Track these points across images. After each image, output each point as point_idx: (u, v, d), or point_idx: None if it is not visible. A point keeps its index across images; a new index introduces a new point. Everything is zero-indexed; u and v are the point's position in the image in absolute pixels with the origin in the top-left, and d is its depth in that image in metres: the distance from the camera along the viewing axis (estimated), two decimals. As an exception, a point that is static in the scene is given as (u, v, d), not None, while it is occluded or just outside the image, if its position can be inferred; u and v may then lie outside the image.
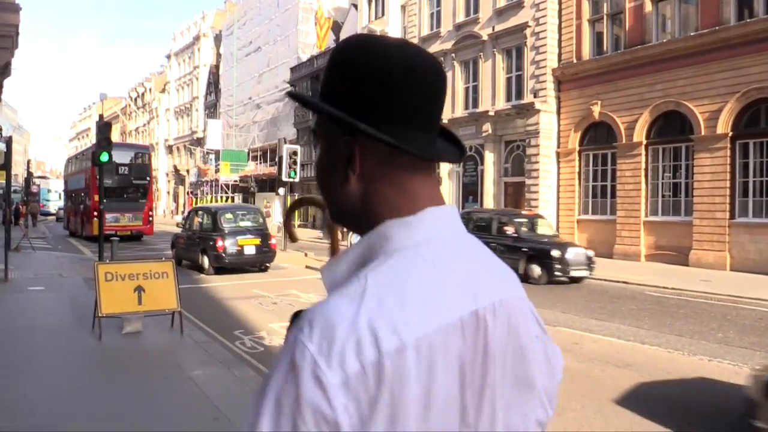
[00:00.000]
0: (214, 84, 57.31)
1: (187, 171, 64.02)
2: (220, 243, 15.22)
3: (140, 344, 7.45)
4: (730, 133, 17.50)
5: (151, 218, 27.66)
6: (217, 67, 57.31)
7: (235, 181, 47.38)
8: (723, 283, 14.57)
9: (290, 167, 20.01)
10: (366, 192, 0.89)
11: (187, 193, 60.84)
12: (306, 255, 20.98)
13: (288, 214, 1.41)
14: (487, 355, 0.85)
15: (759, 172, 17.25)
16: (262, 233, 16.17)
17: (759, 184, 17.26)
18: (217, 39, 57.95)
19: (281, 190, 36.91)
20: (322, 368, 0.73)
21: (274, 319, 9.69)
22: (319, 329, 0.75)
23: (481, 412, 0.84)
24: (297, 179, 20.82)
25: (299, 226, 37.71)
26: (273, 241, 16.40)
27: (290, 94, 1.05)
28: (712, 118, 17.91)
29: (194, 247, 16.41)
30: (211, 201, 49.68)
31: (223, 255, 15.25)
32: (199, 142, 59.94)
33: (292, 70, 39.55)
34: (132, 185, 26.73)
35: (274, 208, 43.08)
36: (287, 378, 0.75)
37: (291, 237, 1.43)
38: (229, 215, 16.41)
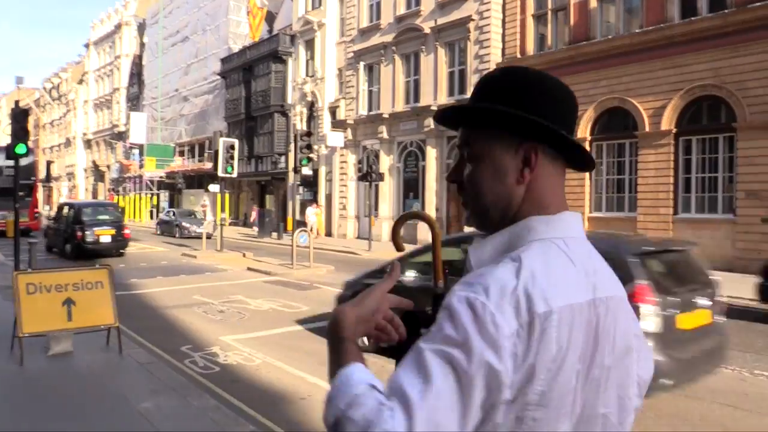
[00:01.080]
0: (137, 75, 54.47)
1: (108, 167, 60.71)
2: (79, 233, 18.32)
3: (72, 368, 6.34)
4: (674, 130, 17.65)
5: (37, 215, 28.87)
6: (140, 57, 54.50)
7: (161, 177, 45.11)
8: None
9: (227, 162, 18.79)
10: (524, 193, 1.07)
11: (108, 190, 57.68)
12: (244, 256, 19.81)
13: (396, 227, 1.48)
14: (597, 338, 1.00)
15: (701, 168, 17.47)
16: (117, 225, 19.42)
17: (701, 180, 17.49)
18: (141, 28, 55.09)
19: (213, 186, 35.36)
20: (497, 320, 0.90)
21: (225, 330, 8.70)
22: (493, 291, 0.93)
23: (589, 384, 0.99)
24: (234, 174, 19.61)
25: (230, 223, 36.13)
26: (127, 231, 19.77)
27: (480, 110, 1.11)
28: (656, 115, 18.01)
29: (60, 237, 19.56)
30: (135, 198, 47.18)
31: (83, 243, 18.22)
32: (121, 136, 56.90)
33: (223, 61, 37.87)
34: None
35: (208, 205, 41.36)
36: (466, 328, 0.90)
37: (398, 247, 1.55)
38: (88, 210, 19.96)
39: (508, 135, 1.08)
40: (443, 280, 1.38)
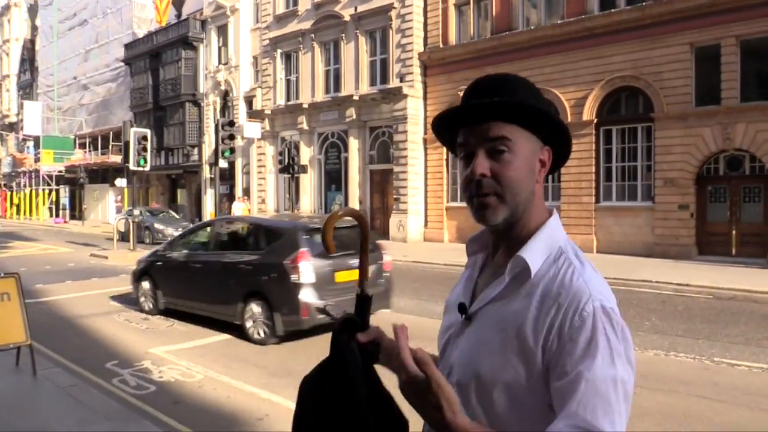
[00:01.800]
0: (29, 61, 50.41)
1: (-2, 160, 56.11)
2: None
3: (-24, 397, 5.38)
4: (595, 120, 18.02)
5: None
6: (32, 41, 50.48)
7: (60, 171, 42.00)
8: (599, 265, 14.64)
9: (139, 154, 17.45)
10: (537, 190, 1.21)
11: (0, 185, 53.28)
12: (160, 254, 18.54)
13: (327, 227, 1.33)
14: None
15: (621, 157, 17.94)
16: None
17: (621, 169, 17.96)
18: (32, 10, 51.00)
19: (120, 181, 33.25)
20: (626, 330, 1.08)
21: (154, 341, 7.84)
22: (608, 296, 1.10)
23: None
24: (147, 168, 18.29)
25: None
26: None
27: (528, 107, 1.18)
28: (578, 105, 18.32)
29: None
30: (32, 194, 43.82)
31: None
32: (12, 127, 52.64)
33: (127, 47, 35.56)
34: None
35: (108, 201, 39.00)
36: (619, 335, 1.05)
37: (329, 249, 1.40)
38: None
39: (534, 136, 1.20)
40: (367, 280, 1.35)
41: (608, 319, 1.05)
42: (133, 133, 17.70)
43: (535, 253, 1.15)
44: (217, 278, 8.40)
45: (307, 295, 7.33)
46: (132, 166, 17.69)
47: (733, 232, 16.06)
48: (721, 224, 16.29)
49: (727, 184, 16.24)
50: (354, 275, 6.80)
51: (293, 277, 7.36)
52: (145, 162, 17.65)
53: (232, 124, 15.30)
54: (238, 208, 23.07)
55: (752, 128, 15.38)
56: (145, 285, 9.70)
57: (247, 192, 28.38)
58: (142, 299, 9.74)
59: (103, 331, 8.41)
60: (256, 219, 10.47)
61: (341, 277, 7.58)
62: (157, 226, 24.46)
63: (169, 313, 9.28)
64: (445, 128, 1.27)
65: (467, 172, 1.18)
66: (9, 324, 6.21)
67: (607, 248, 17.71)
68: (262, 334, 7.62)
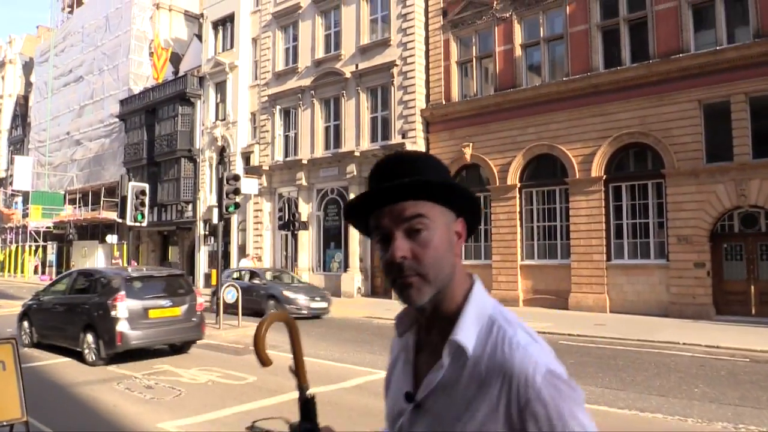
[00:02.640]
0: (21, 117, 50.25)
1: (-16, 216, 55.13)
2: None
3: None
4: (604, 176, 17.75)
5: None
6: (25, 98, 50.45)
7: (48, 227, 41.14)
8: (619, 326, 14.23)
9: (137, 209, 16.83)
10: (457, 263, 1.21)
11: (-15, 241, 52.14)
12: (155, 314, 17.72)
13: (259, 336, 1.29)
14: None
15: (631, 214, 17.60)
16: None
17: (631, 226, 17.59)
18: (27, 67, 51.21)
19: (110, 237, 32.48)
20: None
21: (161, 413, 7.07)
22: (548, 357, 1.10)
23: None
24: (144, 223, 17.63)
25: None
26: None
27: (442, 184, 1.20)
28: (585, 162, 18.09)
29: None
30: (17, 250, 42.78)
31: None
32: (1, 182, 51.96)
33: (122, 102, 35.43)
34: None
35: (96, 258, 38.05)
36: (576, 395, 1.08)
37: (264, 361, 1.32)
38: None
39: (448, 210, 1.20)
40: (306, 383, 1.32)
41: (560, 381, 1.07)
42: (131, 187, 17.14)
43: (467, 332, 1.15)
44: (68, 316, 11.00)
45: (123, 326, 9.99)
46: (129, 222, 17.04)
47: (752, 290, 15.60)
48: (738, 282, 15.83)
49: (743, 242, 15.87)
50: (164, 313, 10.57)
51: (113, 313, 9.99)
52: (143, 217, 17.02)
53: (237, 178, 14.80)
54: (246, 266, 22.36)
55: (767, 185, 15.14)
56: (25, 324, 12.11)
57: (243, 249, 27.70)
58: (23, 335, 11.90)
59: (103, 402, 7.62)
60: (94, 269, 13.39)
61: (153, 314, 10.47)
62: (289, 295, 16.88)
63: (41, 346, 11.55)
64: (358, 214, 1.24)
65: (387, 256, 1.16)
66: (3, 397, 5.48)
67: (620, 308, 17.16)
68: (93, 357, 10.14)
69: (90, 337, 10.15)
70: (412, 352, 1.28)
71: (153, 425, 6.62)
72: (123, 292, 10.14)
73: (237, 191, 14.38)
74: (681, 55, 16.57)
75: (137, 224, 17.28)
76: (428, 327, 1.24)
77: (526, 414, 1.04)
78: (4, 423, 5.42)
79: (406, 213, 1.15)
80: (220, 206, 14.44)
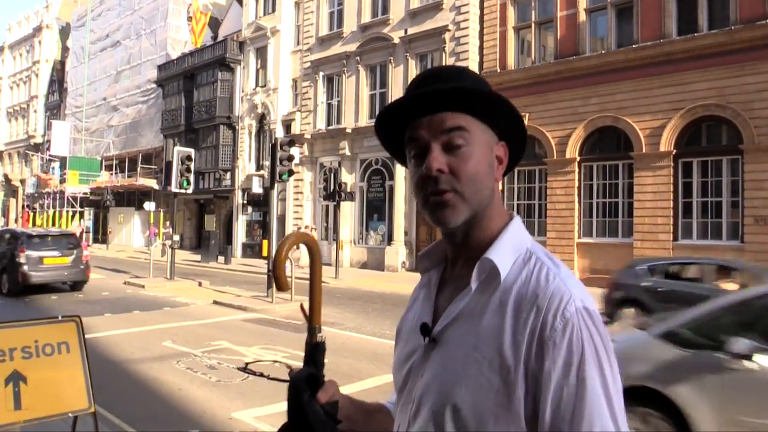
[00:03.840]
0: (58, 82, 50.11)
1: (22, 181, 55.57)
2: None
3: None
4: (674, 151, 16.62)
5: None
6: (62, 63, 50.25)
7: (85, 193, 41.12)
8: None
9: (182, 175, 16.24)
10: (496, 189, 1.10)
11: (23, 206, 52.57)
12: (200, 285, 17.27)
13: (279, 259, 1.13)
14: None
15: (702, 192, 16.49)
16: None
17: (701, 204, 16.49)
18: (63, 32, 50.92)
19: (148, 204, 32.20)
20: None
21: (231, 399, 6.44)
22: (589, 298, 0.99)
23: None
24: (190, 190, 17.05)
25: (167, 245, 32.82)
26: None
27: (488, 95, 1.08)
28: (653, 135, 16.96)
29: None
30: (55, 215, 42.93)
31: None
32: (38, 147, 52.16)
33: (160, 68, 34.85)
34: None
35: (133, 225, 37.94)
36: (605, 340, 0.96)
37: (281, 286, 1.18)
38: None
39: (490, 130, 1.09)
40: (319, 325, 1.17)
41: (592, 321, 0.96)
42: (177, 152, 16.55)
43: (502, 255, 1.04)
44: None
45: (24, 269, 14.23)
46: (174, 188, 16.50)
47: (837, 277, 14.48)
48: (821, 268, 14.71)
49: (829, 224, 14.72)
50: (55, 261, 14.92)
51: (18, 259, 14.27)
52: (189, 183, 16.45)
53: (292, 143, 14.07)
54: None
55: None
56: None
57: (282, 220, 27.11)
58: None
59: (167, 385, 7.02)
60: (10, 229, 18.56)
61: (48, 261, 14.70)
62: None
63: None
64: (389, 127, 1.13)
65: (421, 170, 1.05)
66: (68, 385, 4.77)
67: (686, 291, 16.15)
68: (4, 291, 14.74)
69: (5, 277, 14.80)
70: (434, 289, 1.16)
71: (226, 414, 5.98)
72: (24, 245, 14.50)
73: (291, 158, 13.67)
74: (767, 21, 15.26)
75: (182, 191, 16.73)
76: (455, 259, 1.13)
77: (546, 346, 0.94)
78: (69, 414, 4.78)
79: (447, 124, 1.05)
80: (272, 173, 13.73)
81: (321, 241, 25.46)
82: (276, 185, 27.21)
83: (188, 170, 16.35)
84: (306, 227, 23.39)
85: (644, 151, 17.06)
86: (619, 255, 17.46)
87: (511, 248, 1.05)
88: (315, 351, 1.14)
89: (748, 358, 4.03)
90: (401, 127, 1.10)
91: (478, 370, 0.98)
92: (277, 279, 1.15)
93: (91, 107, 42.99)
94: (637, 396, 4.30)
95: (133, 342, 9.47)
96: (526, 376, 0.94)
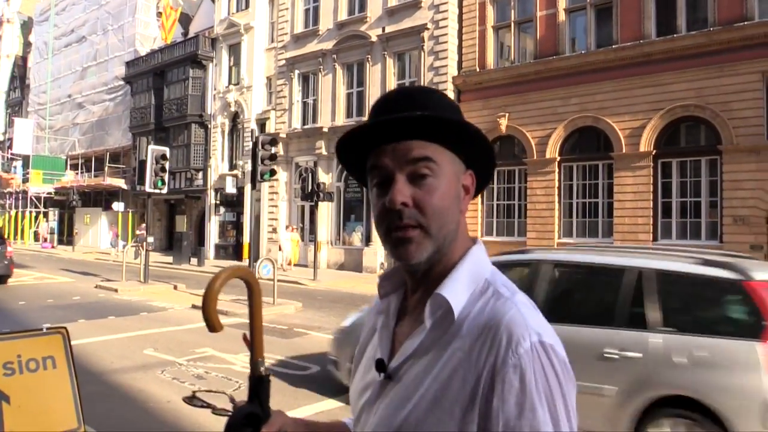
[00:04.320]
0: (19, 78, 48.57)
1: (-19, 180, 53.72)
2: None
3: None
4: (653, 151, 16.71)
5: None
6: (24, 58, 48.74)
7: (49, 193, 39.93)
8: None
9: (157, 174, 15.73)
10: (462, 222, 1.06)
11: (-17, 206, 50.82)
12: (176, 288, 16.78)
13: (210, 297, 1.03)
14: None
15: (680, 192, 16.61)
16: None
17: (680, 204, 16.62)
18: (26, 26, 49.38)
19: (117, 205, 31.33)
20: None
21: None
22: (548, 330, 0.94)
23: None
24: (165, 190, 16.52)
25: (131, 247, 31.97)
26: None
27: (458, 124, 1.04)
28: (633, 135, 17.03)
29: None
30: (17, 216, 41.60)
31: None
32: (-1, 146, 50.50)
33: (129, 64, 33.95)
34: None
35: (100, 226, 36.94)
36: (562, 377, 0.91)
37: (212, 327, 1.05)
38: None
39: (458, 158, 1.05)
40: (262, 357, 1.11)
41: (547, 357, 0.91)
42: (151, 151, 16.03)
43: (456, 290, 1.00)
44: None
45: None
46: (148, 188, 15.97)
47: (814, 276, 14.69)
48: (799, 268, 14.91)
49: (806, 224, 14.93)
50: None
51: None
52: (164, 183, 15.96)
53: (274, 142, 13.68)
54: (286, 239, 21.21)
55: (836, 164, 14.16)
56: None
57: (257, 220, 26.56)
58: None
59: (155, 398, 6.64)
60: None
61: None
62: None
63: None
64: (352, 152, 1.08)
65: (384, 201, 1.00)
66: (55, 403, 4.38)
67: (666, 290, 16.25)
68: None
69: None
70: (393, 318, 1.11)
71: (221, 428, 5.64)
72: None
73: (273, 157, 13.30)
74: (745, 23, 15.42)
75: (157, 191, 16.20)
76: (415, 289, 1.08)
77: (497, 383, 0.90)
78: (59, 434, 4.41)
79: (413, 154, 1.00)
80: (254, 173, 13.33)
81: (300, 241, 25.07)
82: (249, 186, 26.84)
83: (163, 170, 15.85)
84: (288, 227, 22.96)
85: (624, 151, 17.12)
86: (600, 255, 17.54)
87: (467, 280, 1.01)
88: (259, 385, 1.09)
89: None
90: (365, 152, 1.05)
91: (430, 410, 0.94)
92: (207, 319, 1.04)
93: (55, 104, 41.74)
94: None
95: (112, 350, 9.03)
96: (479, 414, 0.91)
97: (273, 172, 13.64)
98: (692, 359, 4.21)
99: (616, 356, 4.47)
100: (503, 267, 4.99)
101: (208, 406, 6.44)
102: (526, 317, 0.94)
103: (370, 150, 1.04)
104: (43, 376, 4.48)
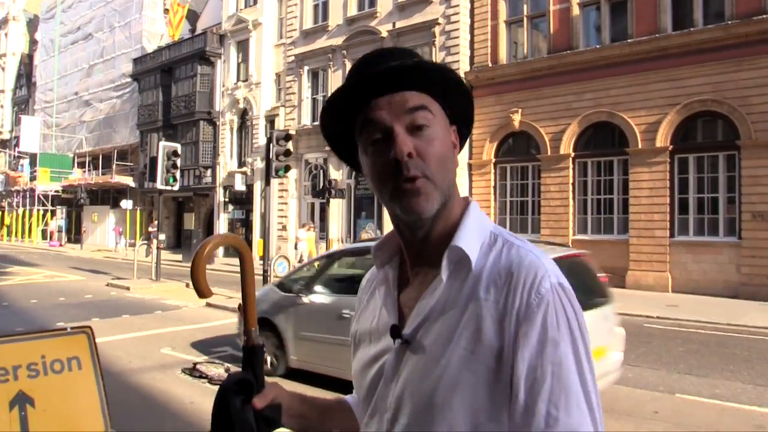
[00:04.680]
0: (26, 76, 48.53)
1: (-12, 178, 53.75)
2: None
3: None
4: (670, 147, 16.51)
5: None
6: (30, 56, 48.66)
7: (57, 191, 39.88)
8: (695, 308, 13.16)
9: (168, 171, 15.59)
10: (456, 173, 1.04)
11: (-11, 204, 50.87)
12: (188, 286, 16.64)
13: (198, 264, 1.05)
14: None
15: (697, 188, 16.40)
16: None
17: (697, 200, 16.41)
18: (31, 24, 49.28)
19: (125, 203, 31.25)
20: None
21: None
22: (562, 275, 0.94)
23: None
24: (176, 187, 16.40)
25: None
26: None
27: (449, 73, 1.03)
28: (649, 131, 16.82)
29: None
30: (25, 215, 41.57)
31: None
32: (4, 144, 50.48)
33: (136, 61, 33.84)
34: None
35: (108, 224, 36.86)
36: (580, 318, 0.92)
37: (201, 293, 1.08)
38: None
39: (443, 113, 1.03)
40: (255, 326, 1.10)
41: (567, 298, 0.92)
42: (162, 147, 15.92)
43: (469, 241, 0.98)
44: None
45: None
46: (159, 185, 15.86)
47: (835, 273, 14.51)
48: (819, 264, 14.72)
49: (827, 220, 14.72)
50: None
51: None
52: (175, 180, 15.84)
53: (288, 137, 13.53)
54: (303, 237, 20.84)
55: None
56: None
57: (264, 218, 26.44)
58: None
59: (177, 399, 6.50)
60: None
61: None
62: None
63: None
64: (338, 120, 1.03)
65: (387, 157, 0.95)
66: (80, 406, 4.26)
67: (683, 287, 16.08)
68: None
69: None
70: (394, 287, 1.08)
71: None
72: None
73: (288, 152, 13.16)
74: (763, 16, 15.19)
75: (168, 188, 16.07)
76: (416, 254, 1.04)
77: (522, 323, 0.89)
78: (88, 438, 4.25)
79: (410, 103, 0.98)
80: (267, 169, 13.21)
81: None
82: (259, 183, 26.69)
83: (174, 166, 15.73)
84: (304, 226, 22.64)
85: (640, 146, 16.92)
86: (615, 252, 17.36)
87: (476, 233, 1.00)
88: (252, 355, 1.07)
89: (301, 296, 6.97)
90: (353, 113, 1.00)
91: (463, 366, 0.92)
92: (195, 285, 1.05)
93: (62, 102, 41.68)
94: (261, 323, 6.77)
95: (128, 350, 8.91)
96: (510, 358, 0.89)
97: (288, 168, 13.50)
98: None
99: (348, 316, 6.16)
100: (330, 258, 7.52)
101: (206, 377, 6.39)
102: (544, 261, 0.94)
103: (356, 112, 1.00)
104: (69, 378, 4.29)
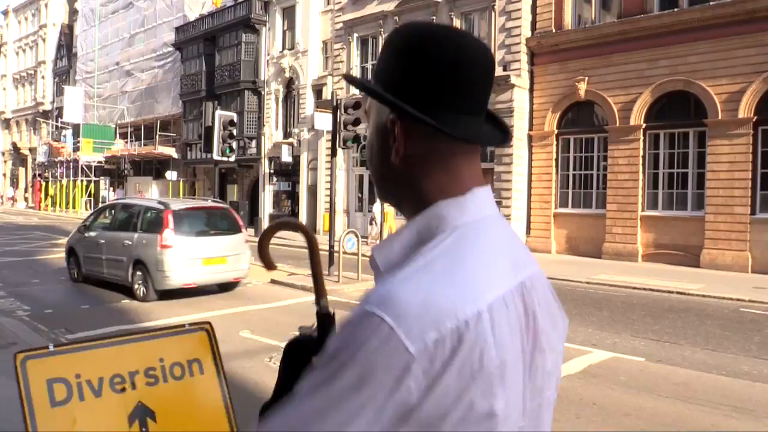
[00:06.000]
0: (66, 47, 48.48)
1: (31, 150, 54.35)
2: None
3: None
4: (754, 118, 15.42)
5: None
6: (70, 27, 48.56)
7: (100, 162, 39.97)
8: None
9: (224, 141, 15.08)
10: (413, 173, 0.92)
11: (34, 175, 51.42)
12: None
13: (264, 241, 1.27)
14: (536, 320, 0.89)
15: (783, 162, 15.35)
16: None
17: (783, 175, 15.37)
18: (71, -7, 49.13)
19: (170, 174, 31.06)
20: (402, 339, 0.74)
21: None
22: (395, 305, 0.76)
23: (535, 373, 0.89)
24: (233, 158, 15.91)
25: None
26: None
27: (346, 78, 1.15)
28: (731, 101, 15.73)
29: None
30: (69, 185, 41.83)
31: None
32: (46, 115, 50.83)
33: (178, 30, 33.32)
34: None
35: (150, 195, 36.75)
36: (369, 350, 0.75)
37: (268, 265, 1.32)
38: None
39: (381, 105, 0.96)
40: (325, 296, 1.22)
41: (363, 323, 0.77)
42: (219, 116, 15.39)
43: (392, 247, 0.92)
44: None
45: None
46: (216, 156, 15.38)
47: None
48: None
49: None
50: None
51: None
52: (232, 151, 15.32)
53: (357, 106, 12.88)
54: (379, 211, 20.05)
55: None
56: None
57: (312, 190, 26.00)
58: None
59: (268, 385, 5.99)
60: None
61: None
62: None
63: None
64: None
65: None
66: (205, 417, 3.68)
67: (764, 267, 15.15)
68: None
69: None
70: None
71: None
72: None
73: (357, 121, 12.52)
74: None
75: (224, 158, 15.59)
76: None
77: None
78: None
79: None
80: (334, 139, 12.60)
81: (355, 213, 24.43)
82: (305, 154, 26.15)
83: (231, 136, 15.22)
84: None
85: (720, 117, 15.86)
86: (689, 229, 16.47)
87: (407, 243, 0.90)
88: (325, 319, 1.16)
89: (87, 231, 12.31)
90: None
91: None
92: (262, 257, 1.26)
93: (103, 73, 41.53)
94: (70, 252, 12.66)
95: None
96: None
97: (357, 138, 12.86)
98: (143, 242, 10.64)
99: (128, 243, 10.88)
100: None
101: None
102: (396, 288, 0.83)
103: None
104: (190, 385, 3.62)
